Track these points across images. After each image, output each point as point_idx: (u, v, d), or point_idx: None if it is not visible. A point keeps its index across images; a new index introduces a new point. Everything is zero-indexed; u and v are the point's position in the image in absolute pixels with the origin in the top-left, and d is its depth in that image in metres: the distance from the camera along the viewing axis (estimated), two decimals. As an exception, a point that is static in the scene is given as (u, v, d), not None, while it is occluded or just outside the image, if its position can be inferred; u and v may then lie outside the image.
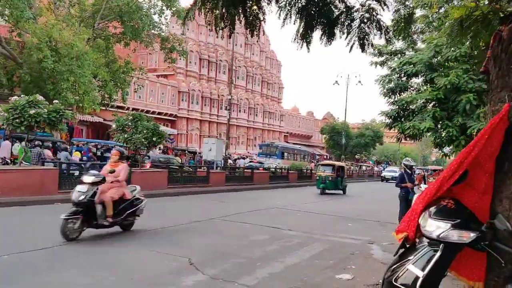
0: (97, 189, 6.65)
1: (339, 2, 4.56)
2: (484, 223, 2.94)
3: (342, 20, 4.59)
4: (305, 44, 4.50)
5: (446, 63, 13.47)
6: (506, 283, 2.95)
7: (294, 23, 4.48)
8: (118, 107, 27.47)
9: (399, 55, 15.16)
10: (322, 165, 22.48)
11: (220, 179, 18.86)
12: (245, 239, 7.66)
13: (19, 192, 9.98)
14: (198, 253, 6.21)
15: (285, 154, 37.64)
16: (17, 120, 9.70)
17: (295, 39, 4.66)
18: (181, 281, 4.80)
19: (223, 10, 4.05)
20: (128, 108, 30.19)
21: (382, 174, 46.51)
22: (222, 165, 22.00)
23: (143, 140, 13.81)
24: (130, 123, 14.32)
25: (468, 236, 2.87)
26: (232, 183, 19.80)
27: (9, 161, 14.07)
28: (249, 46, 50.36)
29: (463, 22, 4.12)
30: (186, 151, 29.42)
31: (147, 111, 34.24)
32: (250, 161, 32.46)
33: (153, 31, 24.79)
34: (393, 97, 14.59)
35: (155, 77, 37.73)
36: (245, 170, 23.68)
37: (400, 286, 2.95)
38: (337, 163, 22.68)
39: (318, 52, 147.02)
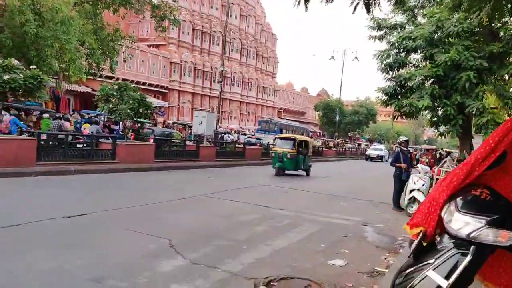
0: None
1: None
2: None
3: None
4: (302, 1, 3.89)
5: (447, 39, 12.97)
6: None
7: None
8: (107, 77, 26.55)
9: (399, 29, 14.59)
10: (280, 138, 17.98)
11: (210, 154, 18.32)
12: (232, 218, 7.21)
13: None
14: (180, 234, 5.75)
15: (284, 130, 38.08)
16: (-11, 85, 8.99)
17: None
18: (158, 266, 4.33)
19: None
20: (118, 79, 29.10)
21: (367, 153, 41.40)
22: (212, 140, 21.41)
23: (128, 111, 13.16)
24: (115, 93, 13.61)
25: (508, 236, 2.26)
26: (223, 158, 19.28)
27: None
28: (244, 17, 48.95)
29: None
30: (186, 126, 28.72)
31: (137, 82, 33.32)
32: (249, 137, 31.98)
33: (143, -4, 23.63)
34: (390, 73, 14.11)
35: (146, 47, 36.53)
36: (237, 145, 23.14)
37: None
38: (299, 137, 18.25)
39: (314, 26, 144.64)
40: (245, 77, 49.54)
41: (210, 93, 43.32)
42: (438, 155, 26.56)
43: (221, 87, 23.96)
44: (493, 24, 11.57)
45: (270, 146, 24.52)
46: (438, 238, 2.53)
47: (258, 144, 26.49)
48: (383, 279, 4.36)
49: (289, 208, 8.64)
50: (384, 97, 13.97)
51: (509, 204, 2.42)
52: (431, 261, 2.40)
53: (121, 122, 16.37)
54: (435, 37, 12.91)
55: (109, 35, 22.66)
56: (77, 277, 3.85)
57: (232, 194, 9.94)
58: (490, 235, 2.28)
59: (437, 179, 11.89)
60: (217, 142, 21.43)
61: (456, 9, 9.94)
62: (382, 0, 4.17)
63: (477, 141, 12.36)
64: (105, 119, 18.61)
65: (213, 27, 43.71)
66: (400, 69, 14.01)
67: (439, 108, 13.21)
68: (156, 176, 12.73)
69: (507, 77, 12.48)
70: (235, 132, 36.37)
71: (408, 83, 13.50)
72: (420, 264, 2.46)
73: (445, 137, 17.43)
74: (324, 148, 37.14)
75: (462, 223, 2.35)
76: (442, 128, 14.54)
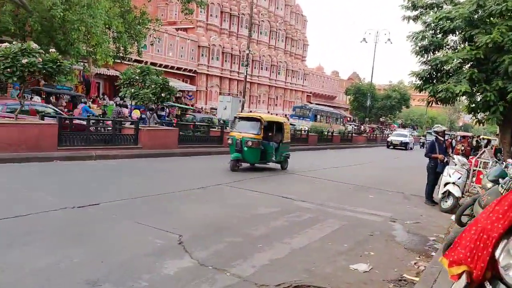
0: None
1: None
2: None
3: None
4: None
5: (489, 19, 11.95)
6: None
7: None
8: (136, 61, 26.53)
9: (435, 9, 13.62)
10: (241, 119, 12.45)
11: (235, 139, 17.91)
12: (249, 211, 6.81)
13: (13, 148, 9.35)
14: (192, 228, 5.41)
15: (318, 116, 37.83)
16: (8, 69, 8.84)
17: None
18: (161, 267, 3.98)
19: None
20: (146, 62, 29.11)
21: (389, 139, 36.55)
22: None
23: (150, 95, 12.90)
24: (137, 77, 13.37)
25: None
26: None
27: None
28: (274, -1, 47.84)
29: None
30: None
31: (166, 66, 33.26)
32: None
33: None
34: (425, 56, 13.21)
35: (174, 30, 36.27)
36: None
37: None
38: (268, 117, 12.92)
39: (346, 7, 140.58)
40: (274, 60, 48.66)
41: (238, 76, 42.79)
42: (474, 143, 25.21)
43: (246, 71, 23.48)
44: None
45: (297, 132, 23.89)
46: (488, 284, 1.85)
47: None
48: (412, 290, 3.87)
49: (312, 200, 8.16)
50: (418, 82, 13.11)
51: None
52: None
53: (167, 109, 16.08)
54: (476, 17, 11.92)
55: (136, 18, 22.47)
56: (70, 278, 3.55)
57: (252, 184, 9.54)
58: None
59: (473, 171, 11.08)
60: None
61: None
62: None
63: (519, 130, 11.42)
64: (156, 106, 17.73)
65: (242, 9, 42.93)
66: (436, 52, 13.09)
67: (478, 94, 12.29)
68: (179, 162, 12.49)
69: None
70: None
71: (445, 67, 12.57)
72: None
73: (483, 125, 16.38)
74: (354, 134, 36.04)
75: None
76: (480, 115, 13.63)
